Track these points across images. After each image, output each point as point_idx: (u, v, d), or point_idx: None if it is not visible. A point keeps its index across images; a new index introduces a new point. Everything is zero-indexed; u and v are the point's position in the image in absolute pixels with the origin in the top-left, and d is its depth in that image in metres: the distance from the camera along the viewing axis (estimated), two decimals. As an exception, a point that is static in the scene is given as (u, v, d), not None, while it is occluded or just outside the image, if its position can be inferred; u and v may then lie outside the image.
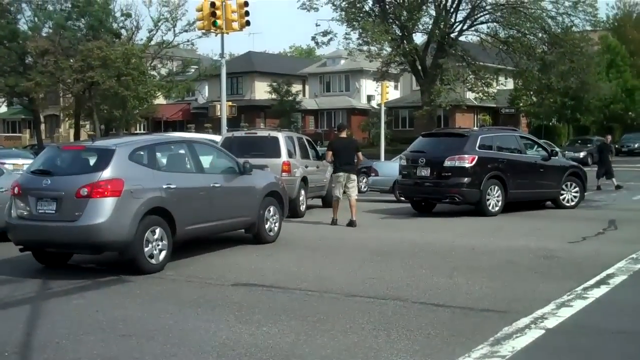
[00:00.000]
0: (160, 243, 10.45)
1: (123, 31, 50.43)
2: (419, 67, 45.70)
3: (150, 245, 10.28)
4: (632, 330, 7.08)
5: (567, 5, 42.59)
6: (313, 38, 45.38)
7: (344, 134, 16.97)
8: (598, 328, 7.16)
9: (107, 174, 9.95)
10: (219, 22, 26.90)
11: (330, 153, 16.34)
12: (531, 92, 52.58)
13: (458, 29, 45.25)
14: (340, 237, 14.20)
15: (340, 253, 12.08)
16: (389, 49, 43.72)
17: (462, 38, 46.45)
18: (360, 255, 11.80)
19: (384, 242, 13.24)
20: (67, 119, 56.48)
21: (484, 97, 47.02)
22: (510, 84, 57.41)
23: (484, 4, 44.23)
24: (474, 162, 17.27)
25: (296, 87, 66.63)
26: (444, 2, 44.43)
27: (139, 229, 10.07)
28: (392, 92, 58.75)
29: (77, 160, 10.81)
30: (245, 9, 27.29)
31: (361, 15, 43.71)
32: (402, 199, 19.91)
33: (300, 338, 6.84)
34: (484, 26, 45.96)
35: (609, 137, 28.37)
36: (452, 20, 44.87)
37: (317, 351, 6.43)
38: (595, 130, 63.91)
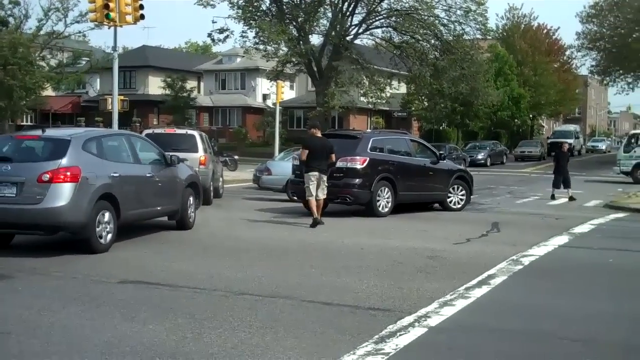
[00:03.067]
0: (108, 226, 11.54)
1: (11, 19, 48.49)
2: (315, 69, 46.07)
3: (100, 227, 11.35)
4: (510, 329, 7.38)
5: (458, 14, 44.07)
6: (209, 35, 44.95)
7: (319, 133, 16.47)
8: (478, 326, 7.42)
9: (65, 161, 10.99)
10: (112, 14, 26.17)
11: (306, 152, 15.81)
12: (423, 97, 53.93)
13: (354, 32, 45.98)
14: (231, 235, 14.16)
15: (231, 251, 12.03)
16: (285, 49, 43.87)
17: (357, 41, 47.16)
18: (250, 253, 11.80)
19: (275, 241, 13.28)
20: (-52, 108, 53.95)
21: (377, 102, 47.82)
22: (403, 88, 58.65)
23: (379, 8, 45.09)
24: (365, 164, 17.52)
25: (191, 84, 65.77)
26: (340, 5, 44.96)
27: (93, 212, 11.14)
28: (288, 92, 58.98)
29: (34, 148, 11.87)
30: (140, 2, 26.71)
31: (258, 14, 43.67)
32: (295, 198, 19.99)
33: (187, 336, 6.79)
34: (379, 30, 46.92)
35: (566, 145, 27.74)
36: (348, 23, 45.48)
37: (204, 349, 6.40)
38: (483, 135, 66.10)
